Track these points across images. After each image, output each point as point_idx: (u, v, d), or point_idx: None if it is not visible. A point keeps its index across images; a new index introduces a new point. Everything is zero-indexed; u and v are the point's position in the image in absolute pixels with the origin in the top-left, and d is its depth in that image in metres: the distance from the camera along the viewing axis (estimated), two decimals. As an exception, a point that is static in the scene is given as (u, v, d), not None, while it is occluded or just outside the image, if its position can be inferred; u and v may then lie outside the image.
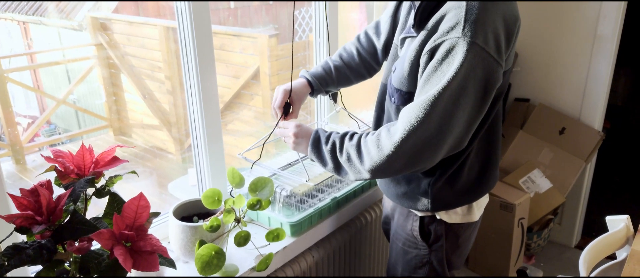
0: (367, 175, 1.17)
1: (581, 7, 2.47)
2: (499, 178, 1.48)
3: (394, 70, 1.24)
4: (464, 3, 1.06)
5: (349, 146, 1.19)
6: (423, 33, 1.13)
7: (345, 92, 1.70)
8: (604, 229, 1.63)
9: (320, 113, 2.02)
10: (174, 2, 1.36)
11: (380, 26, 1.49)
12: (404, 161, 1.11)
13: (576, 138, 2.60)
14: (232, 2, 3.64)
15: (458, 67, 1.03)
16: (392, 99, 1.26)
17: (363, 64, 1.54)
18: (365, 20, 2.36)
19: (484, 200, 1.41)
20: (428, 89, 1.07)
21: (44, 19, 3.82)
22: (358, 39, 1.55)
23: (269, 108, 3.39)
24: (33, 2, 3.73)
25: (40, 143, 3.67)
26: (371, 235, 1.87)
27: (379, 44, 1.50)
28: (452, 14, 1.07)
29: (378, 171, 1.15)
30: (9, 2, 3.67)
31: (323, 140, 1.25)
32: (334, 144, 1.23)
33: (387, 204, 1.55)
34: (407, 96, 1.19)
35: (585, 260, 1.51)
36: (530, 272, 2.53)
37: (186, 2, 1.34)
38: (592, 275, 1.56)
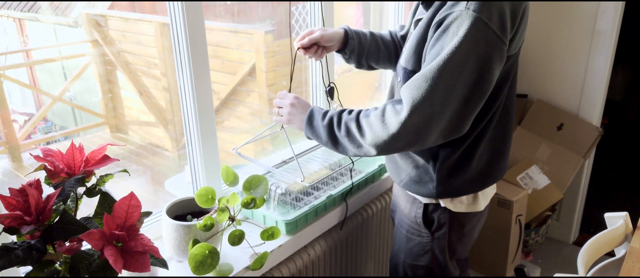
0: (370, 150, 1.17)
1: (580, 3, 2.45)
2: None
3: (404, 49, 1.26)
4: None
5: (348, 119, 1.20)
6: (431, 9, 1.16)
7: (341, 88, 1.68)
8: (602, 225, 1.62)
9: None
10: (167, 0, 1.34)
11: (405, 24, 1.53)
12: (407, 139, 1.12)
13: (574, 134, 2.59)
14: (227, 0, 3.62)
15: (460, 40, 1.04)
16: (398, 78, 1.28)
17: (393, 43, 1.55)
18: (361, 17, 2.35)
19: (491, 190, 1.42)
20: (430, 61, 1.08)
21: (40, 16, 3.79)
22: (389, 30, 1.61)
23: (265, 105, 3.37)
24: (28, 0, 3.71)
25: (37, 140, 3.65)
26: (368, 232, 1.86)
27: (400, 35, 1.54)
28: None
29: (381, 147, 1.15)
30: (2, 1, 3.64)
31: (319, 116, 1.25)
32: (331, 119, 1.23)
33: (395, 191, 1.56)
34: (410, 75, 1.20)
35: (584, 257, 1.50)
36: (528, 270, 2.52)
37: (179, 1, 1.33)
38: (590, 272, 1.56)
